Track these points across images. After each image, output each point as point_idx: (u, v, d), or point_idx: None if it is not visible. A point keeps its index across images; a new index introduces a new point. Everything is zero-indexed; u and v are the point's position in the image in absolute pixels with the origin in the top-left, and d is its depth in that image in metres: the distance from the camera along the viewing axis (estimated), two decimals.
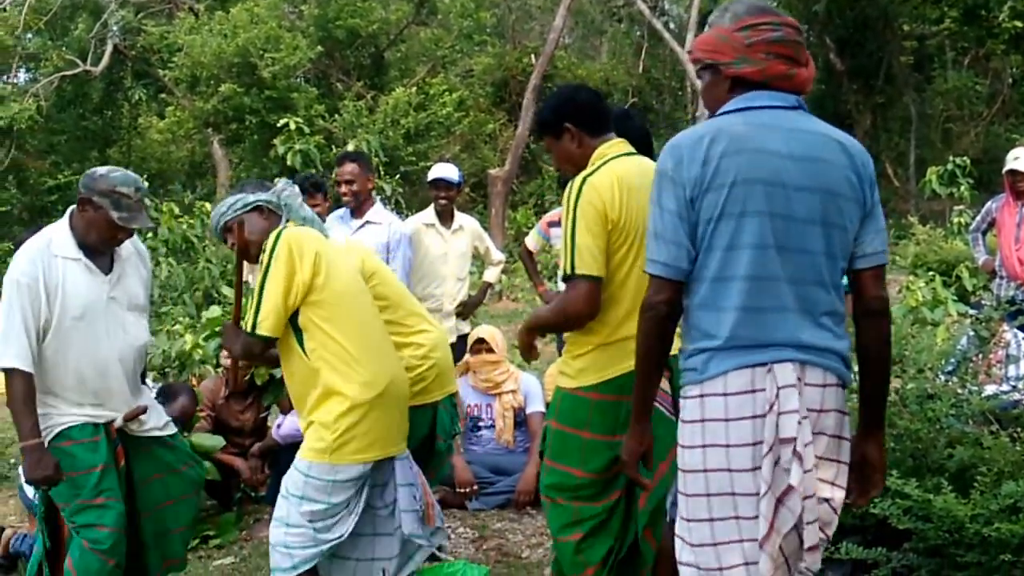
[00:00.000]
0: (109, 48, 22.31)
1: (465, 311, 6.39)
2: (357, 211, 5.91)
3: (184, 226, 13.23)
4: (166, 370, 9.07)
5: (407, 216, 8.59)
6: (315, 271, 3.42)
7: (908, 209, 18.67)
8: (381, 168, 13.72)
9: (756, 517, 2.37)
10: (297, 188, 3.76)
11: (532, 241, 6.81)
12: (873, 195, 2.53)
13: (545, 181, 21.53)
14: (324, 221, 6.16)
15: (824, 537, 2.49)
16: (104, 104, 23.79)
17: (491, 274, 6.62)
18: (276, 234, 3.45)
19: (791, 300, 2.42)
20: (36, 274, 3.59)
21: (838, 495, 2.49)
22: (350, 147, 13.34)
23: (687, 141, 2.48)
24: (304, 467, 3.43)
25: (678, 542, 2.54)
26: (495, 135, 23.14)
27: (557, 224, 6.61)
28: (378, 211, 5.98)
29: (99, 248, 3.76)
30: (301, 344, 3.46)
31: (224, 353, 4.09)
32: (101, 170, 3.80)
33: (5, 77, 23.11)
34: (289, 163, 13.34)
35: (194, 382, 6.26)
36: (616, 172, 3.18)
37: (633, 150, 3.38)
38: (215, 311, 6.43)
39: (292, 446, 5.46)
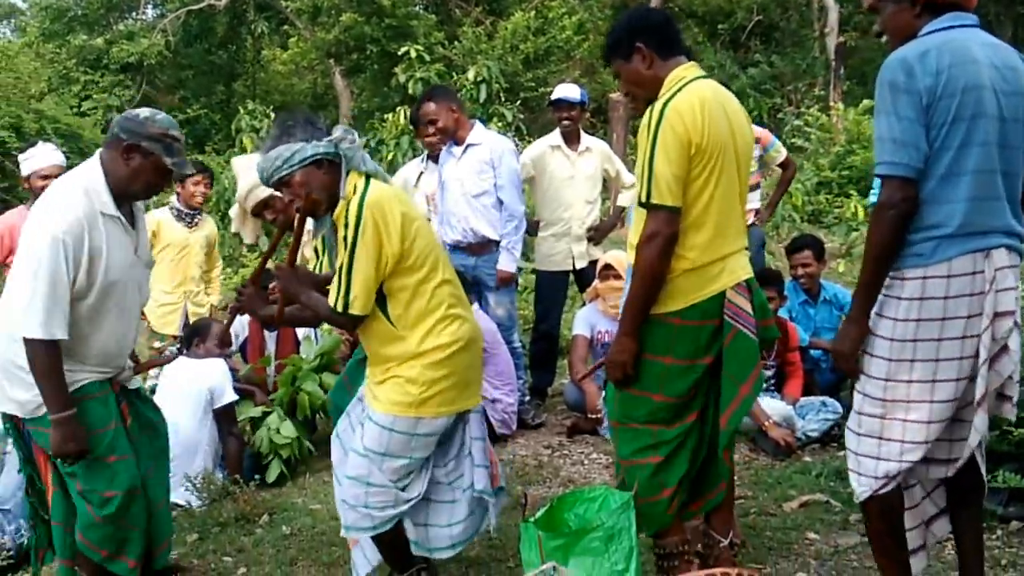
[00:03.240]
0: None
1: (596, 236, 6.27)
2: (457, 140, 5.83)
3: None
4: None
5: (529, 143, 8.48)
6: (403, 237, 3.20)
7: None
8: (502, 94, 13.61)
9: (952, 380, 2.72)
10: (356, 136, 3.36)
11: None
12: None
13: None
14: (443, 139, 6.12)
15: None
16: (229, 38, 24.11)
17: (624, 198, 6.45)
18: (358, 204, 3.15)
19: (1003, 191, 2.74)
20: (81, 234, 3.30)
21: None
22: (470, 74, 13.24)
23: (913, 55, 2.69)
24: (387, 422, 3.29)
25: (858, 401, 2.86)
26: None
27: None
28: (477, 132, 5.88)
29: (139, 198, 3.55)
30: (385, 311, 3.27)
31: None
32: (144, 112, 3.50)
33: (134, 13, 23.67)
34: (410, 91, 13.35)
35: None
36: (698, 95, 3.13)
37: (705, 73, 3.30)
38: None
39: None
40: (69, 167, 4.06)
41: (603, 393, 3.83)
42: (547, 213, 6.19)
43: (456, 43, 19.36)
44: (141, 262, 3.59)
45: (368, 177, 3.27)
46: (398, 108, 12.80)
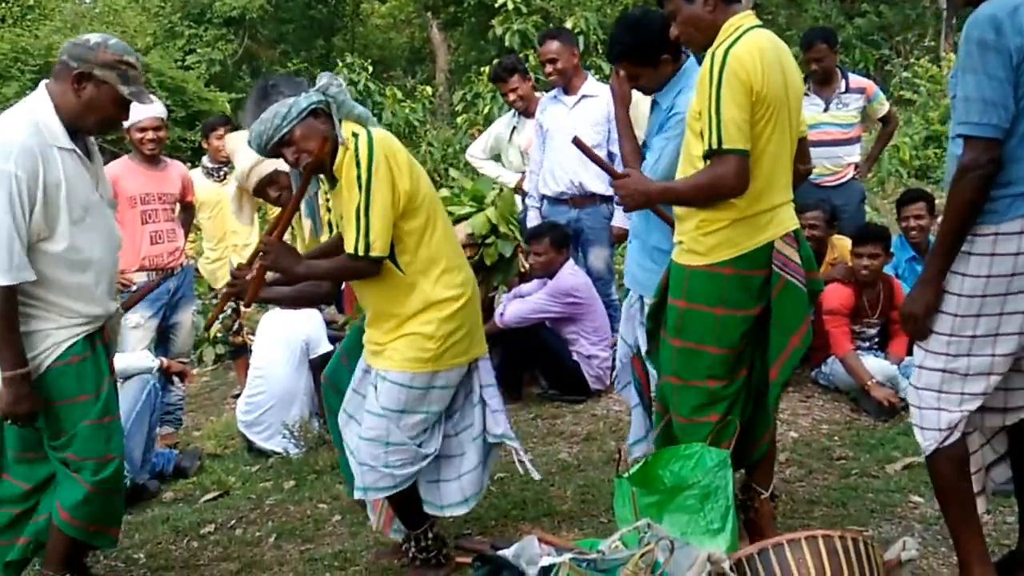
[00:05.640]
0: None
1: None
2: (569, 88, 5.75)
3: (407, 110, 13.44)
4: None
5: None
6: (411, 174, 3.18)
7: None
8: (599, 47, 13.42)
9: (1015, 334, 2.74)
10: (341, 81, 3.24)
11: None
12: None
13: None
14: (526, 103, 6.08)
15: None
16: None
17: None
18: (367, 143, 3.09)
19: None
20: (35, 168, 2.99)
21: None
22: (568, 25, 13.08)
23: (1002, 12, 2.59)
24: (405, 379, 3.24)
25: (919, 356, 2.87)
26: None
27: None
28: (592, 84, 5.79)
29: (94, 132, 3.25)
30: (394, 259, 3.21)
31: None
32: (94, 37, 3.16)
33: None
34: (507, 44, 13.25)
35: None
36: (757, 44, 3.08)
37: (761, 22, 3.24)
38: (443, 192, 6.49)
39: (514, 331, 5.54)
40: (173, 120, 4.03)
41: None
42: None
43: None
44: (104, 201, 3.29)
45: (362, 124, 3.23)
46: (495, 61, 12.73)
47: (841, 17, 19.31)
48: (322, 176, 3.34)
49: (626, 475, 3.25)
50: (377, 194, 3.08)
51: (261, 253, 3.25)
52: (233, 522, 4.29)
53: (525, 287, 5.69)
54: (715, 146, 3.02)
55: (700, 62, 3.24)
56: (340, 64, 13.98)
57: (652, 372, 3.62)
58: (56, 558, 3.30)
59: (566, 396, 5.54)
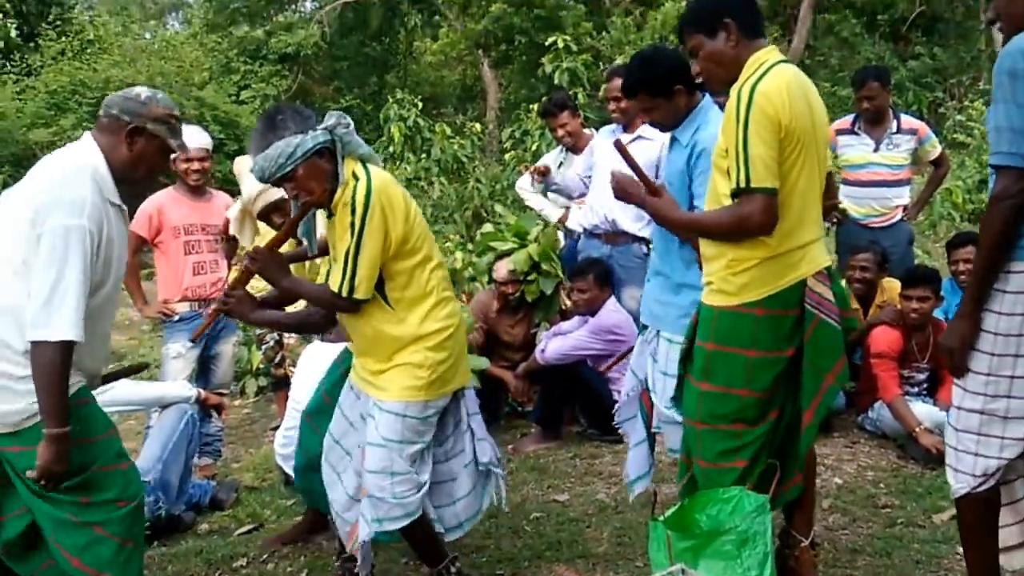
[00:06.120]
0: None
1: None
2: (629, 126, 5.74)
3: (455, 146, 13.50)
4: None
5: None
6: (406, 219, 3.25)
7: None
8: None
9: None
10: (350, 121, 3.30)
11: None
12: None
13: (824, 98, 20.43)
14: (574, 139, 6.07)
15: None
16: (382, 30, 24.56)
17: None
18: (365, 190, 3.15)
19: None
20: (101, 224, 2.99)
21: None
22: (617, 62, 13.11)
23: None
24: (400, 408, 3.31)
25: (958, 396, 2.85)
26: None
27: (847, 132, 6.21)
28: (649, 128, 5.76)
29: (140, 184, 3.26)
30: (383, 294, 3.29)
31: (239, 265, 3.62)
32: (144, 92, 3.22)
33: (293, 5, 24.37)
34: (556, 82, 13.28)
35: (464, 299, 6.37)
36: (784, 79, 3.01)
37: (785, 57, 3.17)
38: (487, 227, 6.48)
39: (555, 368, 5.49)
40: (225, 153, 4.05)
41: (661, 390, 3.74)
42: None
43: (604, 33, 19.21)
44: (124, 251, 3.25)
45: (363, 163, 3.28)
46: (544, 98, 12.78)
47: (895, 59, 19.17)
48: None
49: (661, 518, 3.17)
50: (368, 241, 3.16)
51: (250, 259, 3.33)
52: (265, 556, 4.25)
53: (566, 324, 5.64)
54: (743, 185, 2.95)
55: (714, 98, 3.21)
56: (391, 100, 14.11)
57: (661, 408, 3.63)
58: None
59: (606, 436, 5.46)
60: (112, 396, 4.32)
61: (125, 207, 3.18)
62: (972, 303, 2.75)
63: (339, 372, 3.77)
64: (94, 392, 3.20)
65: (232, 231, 4.77)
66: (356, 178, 3.20)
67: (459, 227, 12.41)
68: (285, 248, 3.48)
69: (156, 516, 4.46)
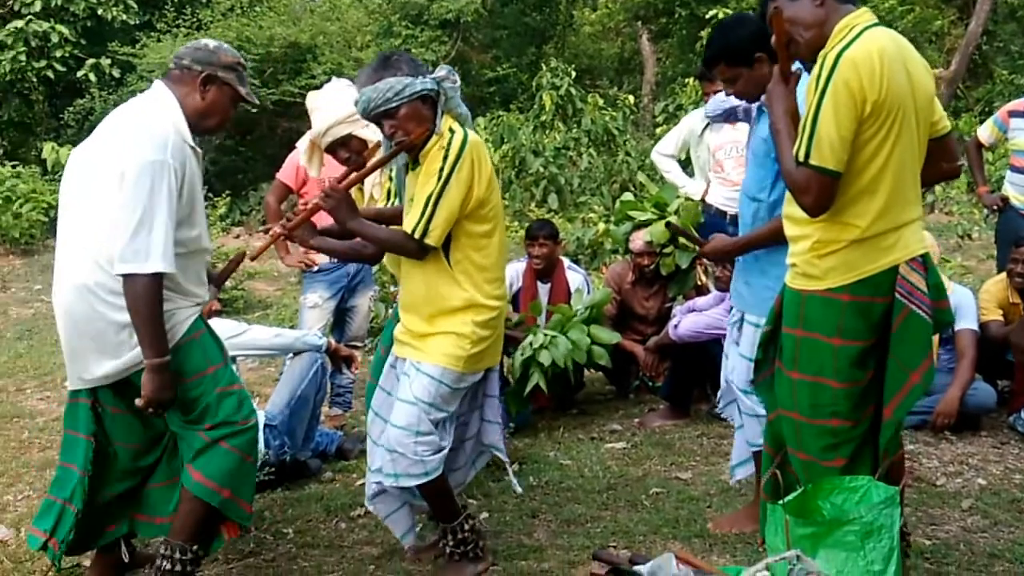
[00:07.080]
0: None
1: None
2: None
3: (607, 118, 13.37)
4: (578, 257, 9.27)
5: None
6: (489, 184, 3.34)
7: None
8: None
9: None
10: (457, 78, 3.38)
11: (986, 132, 6.14)
12: None
13: (996, 86, 19.34)
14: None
15: None
16: (543, 0, 24.52)
17: None
18: (461, 141, 3.27)
19: None
20: (184, 160, 3.13)
21: None
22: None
23: None
24: (437, 373, 3.36)
25: None
26: (942, 33, 21.11)
27: (1021, 115, 5.85)
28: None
29: (212, 131, 3.39)
30: (446, 253, 3.35)
31: (276, 226, 3.60)
32: (211, 42, 3.34)
33: None
34: None
35: (604, 270, 6.28)
36: (877, 45, 2.77)
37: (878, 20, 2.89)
38: (627, 196, 6.36)
39: (686, 346, 5.35)
40: None
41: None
42: None
43: None
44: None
45: (460, 123, 3.38)
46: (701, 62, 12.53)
47: None
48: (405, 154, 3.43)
49: (781, 503, 3.04)
50: (453, 188, 3.24)
51: (323, 195, 3.38)
52: None
53: (700, 301, 5.49)
54: (801, 158, 2.78)
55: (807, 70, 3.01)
56: (544, 68, 14.07)
57: (741, 397, 3.58)
58: (187, 528, 3.27)
59: None
60: (242, 340, 4.41)
61: (198, 150, 3.28)
62: None
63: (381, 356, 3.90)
64: (224, 338, 3.44)
65: (301, 163, 4.91)
66: (452, 132, 3.30)
67: (605, 199, 12.31)
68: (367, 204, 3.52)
69: (281, 460, 4.54)
